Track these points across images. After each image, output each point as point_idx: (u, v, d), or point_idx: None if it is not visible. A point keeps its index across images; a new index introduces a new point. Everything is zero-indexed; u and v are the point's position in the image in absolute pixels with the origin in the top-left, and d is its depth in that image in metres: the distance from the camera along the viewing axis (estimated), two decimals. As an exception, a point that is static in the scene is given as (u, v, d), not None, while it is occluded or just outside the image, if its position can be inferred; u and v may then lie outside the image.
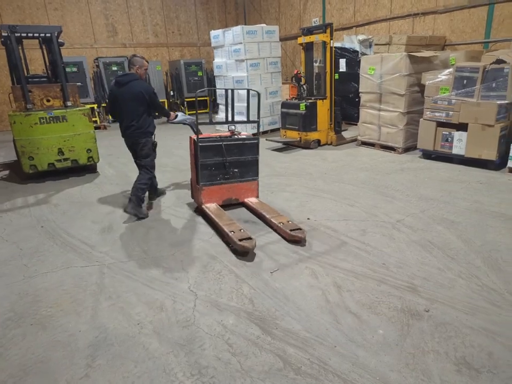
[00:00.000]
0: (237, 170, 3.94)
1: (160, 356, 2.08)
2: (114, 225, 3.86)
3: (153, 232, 3.68)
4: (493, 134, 4.94)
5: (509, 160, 4.87)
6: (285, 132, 7.20)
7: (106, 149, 7.34)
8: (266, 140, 7.12)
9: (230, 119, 3.91)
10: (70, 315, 2.46)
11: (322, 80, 6.93)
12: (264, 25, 8.30)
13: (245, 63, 7.94)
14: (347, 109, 8.63)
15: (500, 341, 2.07)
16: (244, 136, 4.02)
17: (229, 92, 3.95)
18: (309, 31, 6.79)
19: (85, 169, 5.86)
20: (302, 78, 7.05)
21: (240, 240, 3.08)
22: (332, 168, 5.59)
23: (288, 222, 3.46)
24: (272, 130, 8.50)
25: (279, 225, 3.42)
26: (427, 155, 5.84)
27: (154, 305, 2.54)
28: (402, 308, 2.38)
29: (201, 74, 12.16)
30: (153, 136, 4.12)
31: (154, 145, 4.15)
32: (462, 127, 5.24)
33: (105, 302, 2.59)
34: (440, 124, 5.52)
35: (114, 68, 10.88)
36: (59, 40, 5.51)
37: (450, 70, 5.45)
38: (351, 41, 8.58)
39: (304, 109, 6.66)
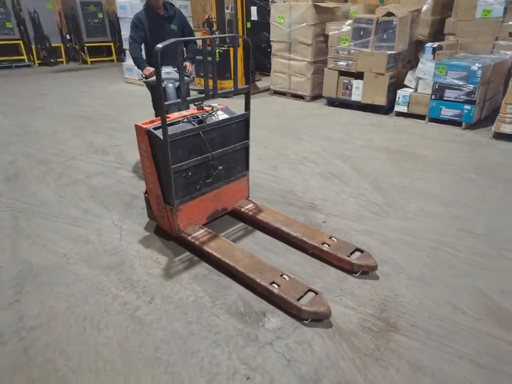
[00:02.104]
0: (221, 167, 2.65)
1: (91, 278, 2.23)
2: (20, 174, 3.64)
3: (65, 178, 3.57)
4: (383, 82, 5.64)
5: (395, 105, 5.66)
6: (200, 80, 7.15)
7: (-4, 97, 6.50)
8: (181, 88, 7.00)
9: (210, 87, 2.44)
10: (-13, 256, 2.41)
11: (234, 27, 6.93)
12: (172, -37, 7.78)
13: (153, 4, 7.45)
14: (260, 59, 8.78)
15: (376, 237, 2.65)
16: (221, 113, 2.63)
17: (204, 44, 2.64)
18: (219, -26, 6.62)
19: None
20: (214, 23, 6.95)
21: (299, 298, 1.96)
22: (246, 115, 5.84)
23: (331, 238, 2.45)
24: (187, 80, 8.34)
25: (322, 248, 2.37)
26: (331, 102, 6.42)
27: (79, 239, 2.60)
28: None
29: (101, 16, 11.00)
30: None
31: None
32: (360, 75, 5.85)
33: (25, 242, 2.56)
34: (342, 73, 6.06)
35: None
36: None
37: (350, 21, 5.94)
38: (262, -12, 8.55)
39: (217, 56, 6.66)
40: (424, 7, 6.00)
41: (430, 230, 2.74)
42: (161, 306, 2.03)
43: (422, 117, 5.35)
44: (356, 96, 5.99)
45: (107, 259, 2.40)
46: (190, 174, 2.45)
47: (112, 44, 11.03)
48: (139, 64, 3.39)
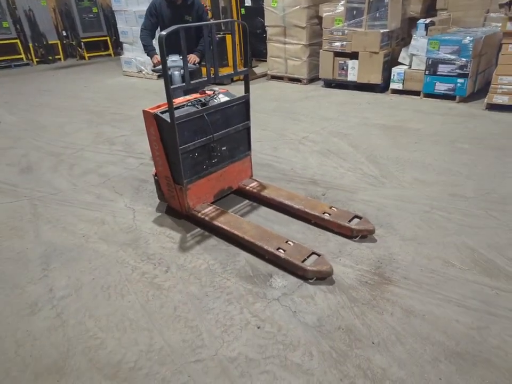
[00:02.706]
0: (225, 148, 2.81)
1: (111, 253, 2.42)
2: (33, 166, 3.82)
3: (76, 167, 3.76)
4: (378, 60, 5.74)
5: (391, 83, 5.77)
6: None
7: None
8: (179, 77, 7.12)
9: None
10: (12, 239, 2.61)
11: (228, 14, 7.00)
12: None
13: (146, -4, 7.52)
14: (256, 45, 8.83)
15: (372, 205, 2.83)
16: (223, 96, 2.76)
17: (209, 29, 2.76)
18: (211, -39, 6.66)
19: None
20: (209, 11, 7.02)
21: (304, 261, 2.15)
22: (245, 100, 5.97)
23: (332, 208, 2.63)
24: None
25: (323, 217, 2.55)
26: (328, 83, 6.53)
27: (96, 221, 2.80)
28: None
29: (96, 10, 11.03)
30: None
31: None
32: (355, 55, 5.94)
33: (45, 226, 2.76)
34: (337, 54, 6.15)
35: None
36: None
37: (343, 2, 6.00)
38: (254, -26, 8.57)
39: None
40: (416, -17, 6.05)
41: (423, 196, 2.90)
42: (177, 274, 2.23)
43: (417, 93, 5.46)
44: (352, 76, 6.09)
45: (123, 237, 2.60)
46: (196, 154, 2.61)
47: (108, 38, 11.07)
48: (148, 51, 3.46)
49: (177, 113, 2.40)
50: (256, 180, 3.09)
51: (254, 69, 7.80)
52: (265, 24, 6.94)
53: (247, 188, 2.99)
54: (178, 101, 2.60)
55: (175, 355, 1.72)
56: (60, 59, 10.70)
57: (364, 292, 2.01)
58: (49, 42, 10.28)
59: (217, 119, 2.67)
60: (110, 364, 1.69)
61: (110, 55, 11.17)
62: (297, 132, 4.48)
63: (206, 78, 2.57)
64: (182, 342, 1.79)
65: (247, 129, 2.95)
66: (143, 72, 8.10)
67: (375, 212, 2.73)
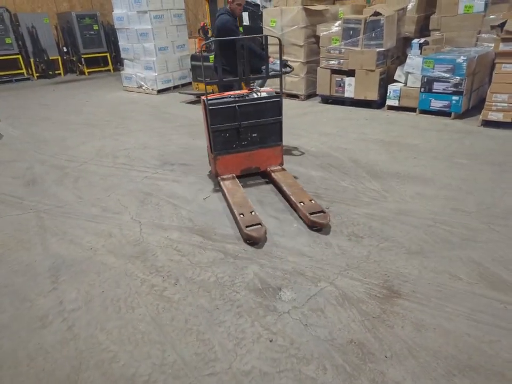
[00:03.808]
0: (255, 135, 3.44)
1: (119, 266, 2.43)
2: (38, 179, 3.83)
3: (81, 180, 3.78)
4: (374, 78, 5.90)
5: (387, 100, 5.91)
6: (197, 84, 7.38)
7: (1, 110, 6.68)
8: (179, 93, 7.25)
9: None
10: (20, 251, 2.61)
11: (228, 32, 7.17)
12: (165, -26, 8.02)
13: (148, 14, 7.70)
14: (254, 62, 9.02)
15: (376, 219, 2.88)
16: (264, 94, 3.47)
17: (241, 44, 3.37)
18: (212, -18, 6.87)
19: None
20: (209, 30, 7.19)
21: (248, 226, 2.65)
22: (245, 116, 6.08)
23: (311, 201, 2.97)
24: (183, 85, 8.55)
25: (298, 205, 2.93)
26: (325, 100, 6.67)
27: (102, 234, 2.81)
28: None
29: (97, 28, 11.23)
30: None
31: None
32: (351, 73, 6.10)
33: (53, 238, 2.76)
34: (334, 71, 6.31)
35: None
36: None
37: (340, 22, 6.19)
38: (252, -6, 8.82)
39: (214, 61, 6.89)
40: (409, 6, 6.27)
41: (426, 210, 2.96)
42: (186, 286, 2.24)
43: (413, 110, 5.60)
44: (349, 92, 6.24)
45: (131, 249, 2.61)
46: (227, 135, 3.35)
47: (108, 54, 11.25)
48: (264, 55, 3.67)
49: (216, 101, 3.24)
50: (283, 168, 3.59)
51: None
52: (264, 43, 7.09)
53: (269, 170, 3.56)
54: (228, 93, 3.43)
55: (188, 368, 1.72)
56: (59, 74, 10.81)
57: (373, 306, 2.04)
58: (50, 58, 10.42)
59: (249, 110, 3.36)
60: (124, 377, 1.68)
61: (109, 70, 11.31)
62: (298, 146, 4.56)
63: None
64: (195, 355, 1.79)
65: (279, 123, 3.57)
66: (143, 88, 8.21)
67: (380, 226, 2.77)
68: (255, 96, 3.42)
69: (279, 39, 3.45)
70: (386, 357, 1.74)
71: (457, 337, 1.82)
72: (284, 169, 3.57)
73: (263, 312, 2.02)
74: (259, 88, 3.57)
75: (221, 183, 3.33)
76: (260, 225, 2.66)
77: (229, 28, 3.80)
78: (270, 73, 3.63)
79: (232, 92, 3.46)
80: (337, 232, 2.73)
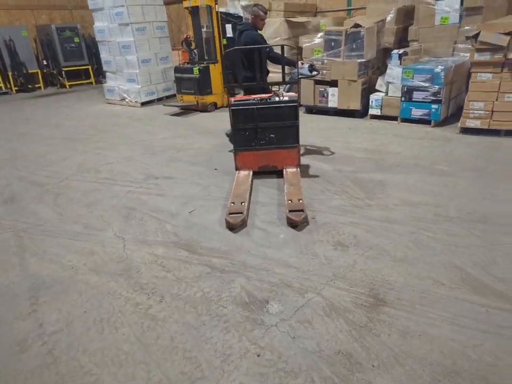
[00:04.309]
0: (273, 136, 3.75)
1: (102, 284, 2.37)
2: (17, 197, 3.74)
3: (62, 197, 3.70)
4: (356, 88, 6.01)
5: (369, 109, 6.02)
6: (182, 96, 7.38)
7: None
8: (164, 105, 7.23)
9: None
10: (-3, 273, 2.52)
11: (212, 45, 7.22)
12: (146, -13, 8.06)
13: (130, 27, 7.70)
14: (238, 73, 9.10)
15: (360, 227, 2.90)
16: (286, 99, 3.73)
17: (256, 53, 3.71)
18: (194, -5, 6.92)
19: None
20: (192, 42, 7.23)
21: (231, 213, 2.95)
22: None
23: (299, 200, 3.12)
24: (168, 97, 8.53)
25: (286, 202, 3.13)
26: (309, 110, 6.75)
27: (84, 252, 2.74)
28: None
29: (78, 40, 11.17)
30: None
31: None
32: (334, 83, 6.21)
33: (32, 258, 2.69)
34: (317, 82, 6.41)
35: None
36: None
37: (321, 34, 6.31)
38: (234, 6, 8.94)
39: (197, 73, 6.92)
40: (388, 18, 6.44)
41: (409, 217, 3.00)
42: (172, 303, 2.19)
43: (394, 118, 5.72)
44: (332, 102, 6.33)
45: (114, 267, 2.55)
46: (247, 133, 3.73)
47: (89, 67, 11.18)
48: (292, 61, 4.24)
49: (240, 103, 3.68)
50: (297, 168, 3.81)
51: (238, 95, 7.97)
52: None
53: (284, 169, 3.81)
54: (253, 96, 3.77)
55: (174, 388, 1.68)
56: (39, 87, 10.67)
57: (360, 315, 2.04)
58: (29, 71, 10.28)
59: (266, 113, 3.68)
60: (107, 401, 1.63)
61: (91, 83, 11.23)
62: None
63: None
64: (181, 374, 1.75)
65: (296, 127, 3.77)
66: (126, 100, 8.16)
67: (365, 234, 2.79)
68: (276, 99, 3.71)
69: (282, 46, 3.83)
70: (373, 366, 1.74)
71: (442, 342, 1.84)
72: (296, 169, 3.80)
73: (250, 326, 2.00)
74: (283, 92, 3.84)
75: (236, 175, 3.68)
76: (241, 214, 2.94)
77: (258, 41, 4.10)
78: (299, 77, 3.97)
79: (257, 95, 3.75)
80: (323, 241, 2.74)
